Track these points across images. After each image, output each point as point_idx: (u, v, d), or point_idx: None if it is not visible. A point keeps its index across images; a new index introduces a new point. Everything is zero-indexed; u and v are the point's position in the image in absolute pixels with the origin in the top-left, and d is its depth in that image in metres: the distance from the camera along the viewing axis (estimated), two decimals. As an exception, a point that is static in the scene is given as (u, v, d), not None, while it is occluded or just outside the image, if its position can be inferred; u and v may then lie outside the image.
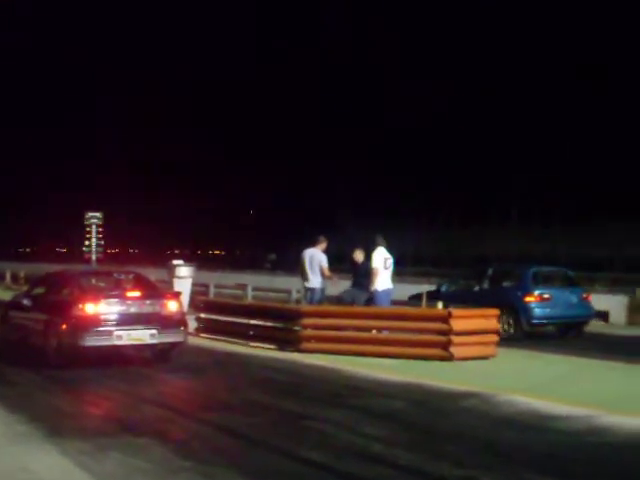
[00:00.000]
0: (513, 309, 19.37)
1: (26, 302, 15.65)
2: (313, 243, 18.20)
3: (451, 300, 17.85)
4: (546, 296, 20.04)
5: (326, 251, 18.23)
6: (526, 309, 19.24)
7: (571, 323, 20.64)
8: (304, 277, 18.03)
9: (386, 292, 17.28)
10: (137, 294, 14.82)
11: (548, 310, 19.94)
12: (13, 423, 9.56)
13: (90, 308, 13.98)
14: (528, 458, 8.09)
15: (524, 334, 19.11)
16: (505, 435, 9.17)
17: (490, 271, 21.52)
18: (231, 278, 39.67)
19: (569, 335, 20.55)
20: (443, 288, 21.65)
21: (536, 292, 20.01)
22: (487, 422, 9.83)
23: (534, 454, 8.30)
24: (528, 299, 19.83)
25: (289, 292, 27.13)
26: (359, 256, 17.94)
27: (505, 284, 21.04)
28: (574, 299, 20.57)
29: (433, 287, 23.03)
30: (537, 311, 19.70)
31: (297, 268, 18.40)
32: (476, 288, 21.09)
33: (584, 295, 20.91)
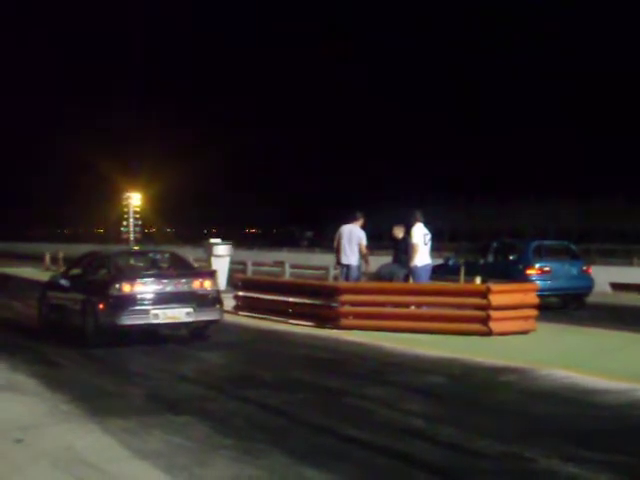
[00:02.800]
0: (516, 281, 19.48)
1: (64, 282, 15.82)
2: (351, 219, 18.09)
3: (456, 273, 18.33)
4: (546, 269, 20.64)
5: (364, 228, 18.19)
6: (528, 281, 19.26)
7: (572, 294, 21.31)
8: (341, 253, 17.89)
9: (425, 268, 17.23)
10: (173, 273, 14.93)
11: (549, 282, 20.41)
12: (57, 402, 9.66)
13: (127, 287, 14.12)
14: (569, 432, 8.04)
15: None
16: (546, 409, 9.12)
17: (494, 245, 22.10)
18: (268, 256, 39.85)
19: (571, 307, 21.12)
20: (450, 262, 22.01)
21: (537, 265, 20.63)
22: (527, 397, 9.78)
23: (575, 428, 8.25)
24: (529, 272, 20.39)
25: (327, 269, 27.13)
26: (399, 232, 17.90)
27: (509, 257, 21.43)
28: (574, 271, 21.26)
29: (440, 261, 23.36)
30: (538, 283, 19.75)
31: (333, 244, 18.27)
32: (481, 261, 21.51)
33: (584, 268, 21.60)
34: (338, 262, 18.13)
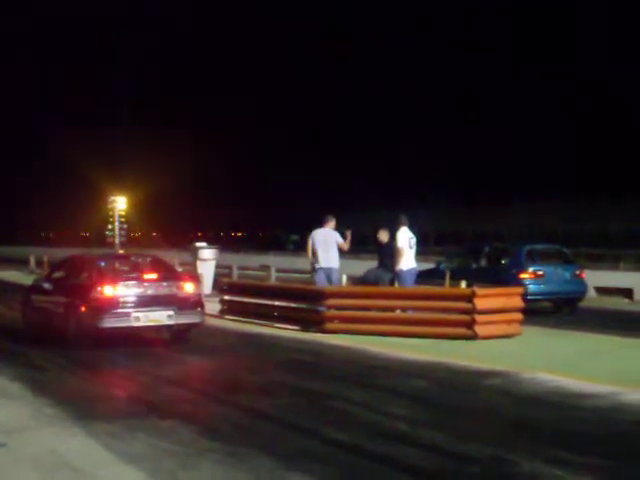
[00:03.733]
0: (509, 286, 19.48)
1: (47, 286, 15.89)
2: (323, 223, 17.98)
3: (450, 278, 18.25)
4: (540, 273, 20.55)
5: (336, 229, 18.14)
6: (521, 285, 19.26)
7: (565, 299, 21.22)
8: (317, 258, 17.72)
9: (410, 272, 17.26)
10: (154, 276, 14.98)
11: (542, 286, 20.41)
12: (40, 406, 9.64)
13: (108, 290, 14.20)
14: (554, 436, 8.08)
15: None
16: (530, 413, 9.16)
17: (487, 249, 22.06)
18: (254, 260, 39.86)
19: (564, 311, 21.07)
20: (442, 266, 21.83)
21: (530, 269, 20.50)
22: (512, 400, 9.82)
23: (560, 432, 8.28)
24: (522, 276, 20.26)
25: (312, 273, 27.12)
26: (384, 236, 17.91)
27: (501, 261, 21.40)
28: (567, 275, 21.13)
29: (431, 265, 23.28)
30: (531, 287, 19.96)
31: (305, 249, 18.10)
32: (473, 266, 21.47)
33: (578, 272, 21.46)
34: (313, 268, 17.90)
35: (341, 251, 17.87)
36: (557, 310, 21.22)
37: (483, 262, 21.53)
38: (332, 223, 17.98)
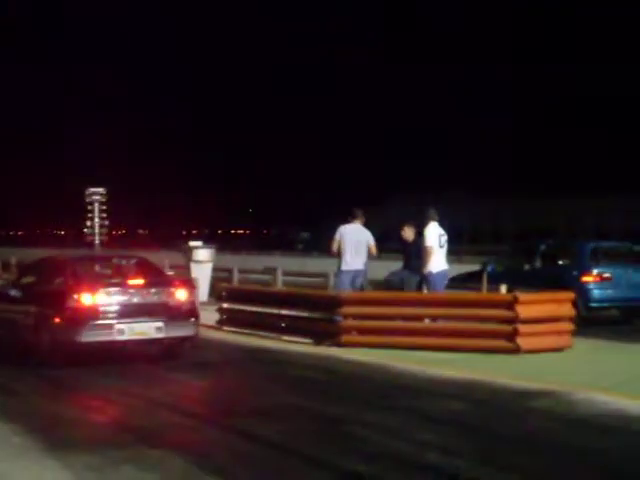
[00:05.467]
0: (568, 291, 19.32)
1: (14, 292, 15.85)
2: (352, 217, 17.95)
3: (497, 282, 17.75)
4: (606, 275, 20.15)
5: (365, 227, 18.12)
6: (583, 291, 19.14)
7: (636, 306, 20.67)
8: (346, 258, 17.71)
9: (441, 274, 17.20)
10: (140, 282, 14.95)
11: (609, 291, 20.08)
12: (8, 434, 9.64)
13: (87, 299, 14.15)
14: (609, 465, 8.04)
15: (582, 320, 18.96)
16: (585, 440, 9.11)
17: (542, 248, 21.61)
18: (258, 261, 39.80)
19: (634, 320, 20.60)
20: (489, 268, 21.53)
21: (595, 271, 20.17)
22: (563, 425, 9.79)
23: (617, 460, 8.25)
24: (585, 279, 19.95)
25: (325, 276, 27.12)
26: (409, 233, 17.84)
27: (559, 262, 21.15)
28: (639, 279, 20.52)
29: (475, 267, 23.08)
30: (596, 293, 19.81)
31: (331, 248, 18.02)
32: (526, 267, 21.17)
33: None
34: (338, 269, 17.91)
35: (369, 255, 17.86)
36: (626, 320, 20.76)
37: (537, 263, 21.20)
38: (362, 219, 17.97)
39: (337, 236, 17.79)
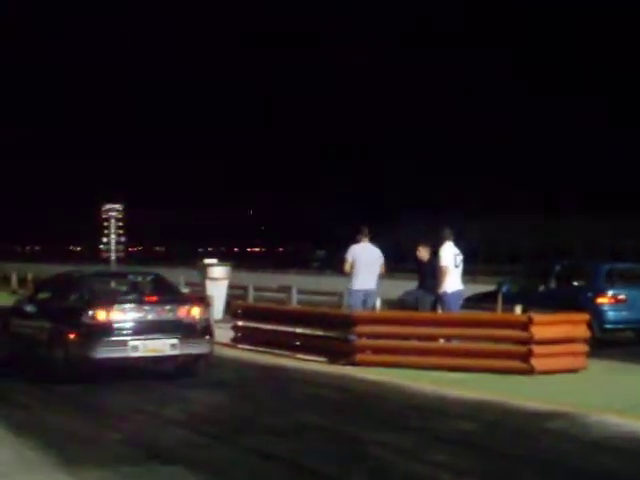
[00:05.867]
0: (582, 312, 19.26)
1: (29, 308, 15.87)
2: (361, 236, 17.96)
3: (512, 302, 17.68)
4: (621, 297, 20.09)
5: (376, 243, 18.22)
6: (598, 312, 19.06)
7: None
8: (359, 277, 17.73)
9: (456, 294, 17.18)
10: (155, 298, 14.97)
11: (624, 313, 19.99)
12: (22, 449, 9.66)
13: (101, 315, 14.15)
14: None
15: (596, 341, 18.88)
16: (599, 463, 9.07)
17: (557, 268, 21.55)
18: (273, 279, 39.70)
19: None
20: (504, 288, 21.49)
21: (610, 292, 20.09)
22: (578, 447, 9.73)
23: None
24: (600, 300, 19.86)
25: (340, 295, 27.08)
26: (424, 253, 17.84)
27: (574, 283, 21.08)
28: None
29: (490, 287, 23.01)
30: (611, 314, 19.76)
31: (344, 267, 18.05)
32: (541, 288, 21.07)
33: None
34: (354, 288, 17.92)
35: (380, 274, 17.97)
36: None
37: (552, 284, 21.14)
38: (368, 236, 18.00)
39: (349, 257, 17.79)
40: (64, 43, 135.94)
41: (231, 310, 21.44)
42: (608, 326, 19.68)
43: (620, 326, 20.14)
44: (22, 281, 41.03)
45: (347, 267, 17.86)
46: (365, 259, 17.69)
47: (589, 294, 19.94)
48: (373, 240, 18.32)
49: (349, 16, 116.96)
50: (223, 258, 29.59)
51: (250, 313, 20.16)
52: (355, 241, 17.97)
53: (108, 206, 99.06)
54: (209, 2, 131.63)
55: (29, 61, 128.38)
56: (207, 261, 26.30)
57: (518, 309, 16.23)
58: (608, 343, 18.89)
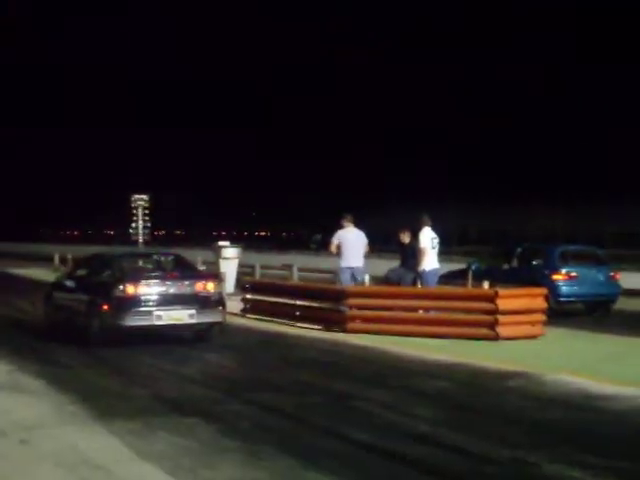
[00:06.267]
0: (540, 287, 19.37)
1: (69, 283, 15.97)
2: (345, 222, 18.02)
3: (480, 279, 17.80)
4: (573, 274, 20.23)
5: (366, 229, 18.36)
6: (553, 287, 19.09)
7: (598, 301, 20.86)
8: (347, 257, 17.81)
9: (433, 272, 17.23)
10: (176, 275, 15.05)
11: (575, 288, 20.13)
12: (63, 403, 9.72)
13: (130, 289, 14.24)
14: (574, 438, 8.05)
15: (552, 312, 19.00)
16: (552, 415, 9.14)
17: (518, 250, 21.69)
18: (277, 259, 39.77)
19: (597, 313, 20.70)
20: (473, 267, 21.65)
21: (563, 270, 20.22)
22: (534, 402, 9.79)
23: (580, 434, 8.27)
24: (555, 277, 19.97)
25: (335, 273, 27.09)
26: (405, 237, 17.90)
27: (533, 262, 21.14)
28: (601, 277, 20.76)
29: (455, 266, 23.14)
30: (564, 289, 19.85)
31: (330, 249, 18.21)
32: (505, 267, 21.15)
33: (612, 274, 21.08)
34: (344, 266, 17.95)
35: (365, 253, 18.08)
36: (590, 313, 20.81)
37: (515, 263, 21.23)
38: (352, 221, 18.08)
39: (335, 240, 17.89)
40: (64, 43, 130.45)
41: (240, 285, 21.47)
42: (562, 299, 19.79)
43: (572, 299, 20.25)
44: (63, 260, 41.02)
45: (332, 248, 18.04)
46: (350, 241, 17.78)
47: (546, 271, 20.06)
48: (362, 226, 18.44)
49: (349, 16, 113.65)
50: (234, 240, 29.52)
51: (257, 287, 20.19)
52: (340, 227, 18.05)
53: (136, 196, 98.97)
54: (209, 2, 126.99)
55: (29, 61, 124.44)
56: (221, 243, 26.28)
57: (486, 284, 16.25)
58: (562, 314, 18.94)
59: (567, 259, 20.83)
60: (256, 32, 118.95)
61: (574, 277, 20.20)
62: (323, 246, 31.40)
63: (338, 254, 17.86)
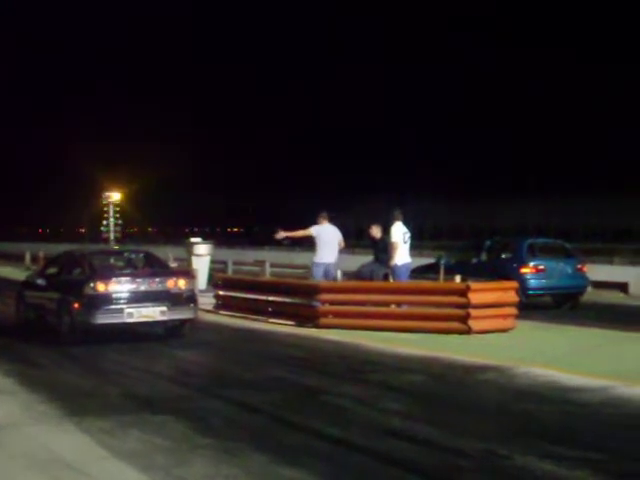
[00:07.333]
0: (509, 280, 19.44)
1: (40, 281, 15.91)
2: (321, 219, 18.08)
3: (450, 273, 17.85)
4: (541, 267, 20.38)
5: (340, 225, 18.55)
6: (522, 280, 19.17)
7: (566, 293, 20.95)
8: (322, 252, 17.85)
9: (405, 266, 17.27)
10: (147, 272, 15.00)
11: (543, 281, 20.30)
12: (33, 402, 9.62)
13: (101, 286, 14.18)
14: (546, 430, 8.07)
15: (521, 305, 19.08)
16: (523, 407, 9.15)
17: (488, 243, 21.82)
18: (250, 255, 39.74)
19: (565, 306, 20.83)
20: (442, 261, 21.65)
21: (531, 263, 20.36)
22: (505, 394, 9.81)
23: (552, 426, 8.29)
24: (523, 270, 20.11)
25: (307, 268, 27.09)
26: (376, 232, 17.90)
27: (502, 256, 21.28)
28: (569, 270, 20.92)
29: (426, 260, 23.24)
30: (532, 282, 20.01)
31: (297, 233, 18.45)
32: (474, 260, 21.27)
33: (579, 266, 21.23)
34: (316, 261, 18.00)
35: (339, 248, 18.23)
36: (558, 305, 20.98)
37: (484, 257, 21.33)
38: (327, 218, 18.13)
39: (310, 231, 18.03)
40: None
41: (213, 281, 21.41)
42: (530, 292, 19.93)
43: (540, 292, 20.41)
44: (34, 259, 40.76)
45: (299, 233, 18.59)
46: (325, 237, 17.82)
47: (514, 265, 20.20)
48: (337, 222, 18.55)
49: (349, 16, 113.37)
50: (206, 237, 29.40)
51: (229, 284, 20.14)
52: (316, 223, 18.07)
53: (108, 194, 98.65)
54: (213, 2, 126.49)
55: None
56: (192, 240, 26.20)
57: (458, 278, 16.31)
58: (531, 307, 19.03)
59: (535, 252, 20.98)
60: (256, 32, 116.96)
61: (542, 270, 20.34)
62: (295, 242, 31.40)
63: (313, 245, 18.07)
